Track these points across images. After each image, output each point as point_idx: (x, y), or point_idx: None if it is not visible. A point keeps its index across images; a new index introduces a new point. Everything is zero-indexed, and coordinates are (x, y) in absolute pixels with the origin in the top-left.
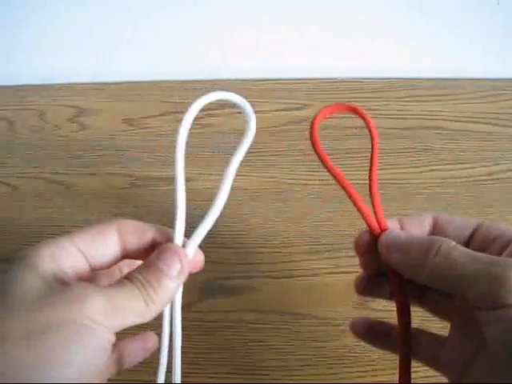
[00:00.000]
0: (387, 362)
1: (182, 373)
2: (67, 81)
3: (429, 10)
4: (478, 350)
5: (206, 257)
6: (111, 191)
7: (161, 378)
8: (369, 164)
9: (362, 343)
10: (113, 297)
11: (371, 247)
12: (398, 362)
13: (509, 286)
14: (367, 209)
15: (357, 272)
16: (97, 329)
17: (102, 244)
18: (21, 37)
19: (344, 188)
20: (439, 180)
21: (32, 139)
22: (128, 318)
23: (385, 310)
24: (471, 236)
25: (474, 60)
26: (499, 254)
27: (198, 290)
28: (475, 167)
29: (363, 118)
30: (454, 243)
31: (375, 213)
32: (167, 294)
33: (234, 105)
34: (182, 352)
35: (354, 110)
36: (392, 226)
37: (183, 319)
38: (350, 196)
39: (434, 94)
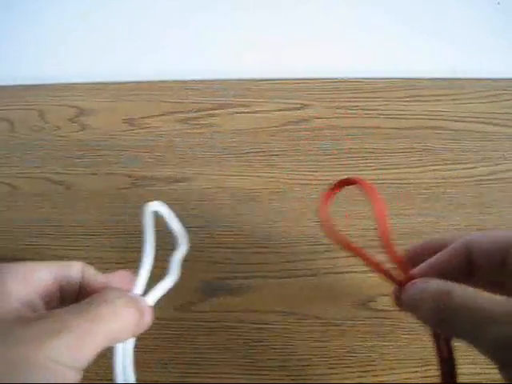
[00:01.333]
0: (388, 362)
1: (182, 373)
2: (67, 81)
3: (429, 9)
4: None
5: (206, 257)
6: (111, 191)
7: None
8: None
9: (363, 343)
10: (86, 321)
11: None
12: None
13: None
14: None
15: (357, 272)
16: (60, 370)
17: (68, 270)
18: (21, 37)
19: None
20: (439, 180)
21: (32, 139)
22: (106, 338)
23: (385, 310)
24: (504, 259)
25: (473, 60)
26: None
27: (198, 290)
28: (476, 167)
29: (367, 191)
30: (462, 290)
31: (396, 263)
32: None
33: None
34: (182, 352)
35: (355, 183)
36: (422, 270)
37: (184, 319)
38: (370, 264)
39: (434, 94)
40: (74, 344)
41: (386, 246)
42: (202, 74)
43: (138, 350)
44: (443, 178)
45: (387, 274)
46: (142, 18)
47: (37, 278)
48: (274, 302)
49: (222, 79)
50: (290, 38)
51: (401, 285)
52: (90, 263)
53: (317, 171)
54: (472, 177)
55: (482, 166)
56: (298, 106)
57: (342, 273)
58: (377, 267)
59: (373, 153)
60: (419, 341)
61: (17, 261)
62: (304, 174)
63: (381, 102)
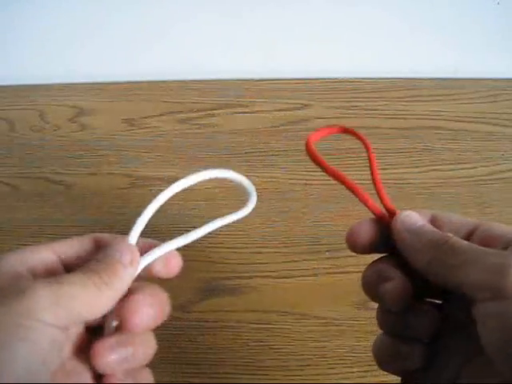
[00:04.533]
0: None
1: (182, 373)
2: (67, 81)
3: (429, 9)
4: (469, 360)
5: (205, 257)
6: (111, 191)
7: None
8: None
9: (363, 343)
10: (60, 286)
11: (376, 234)
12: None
13: (509, 276)
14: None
15: (357, 272)
16: (40, 327)
17: (78, 245)
18: (21, 37)
19: (347, 185)
20: (439, 180)
21: (32, 139)
22: (77, 307)
23: None
24: (469, 236)
25: (474, 60)
26: None
27: (198, 289)
28: (475, 167)
29: (357, 137)
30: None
31: (381, 199)
32: (121, 281)
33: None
34: (182, 352)
35: (346, 131)
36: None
37: (183, 319)
38: (353, 191)
39: (434, 94)
40: (54, 299)
41: (378, 190)
42: (201, 74)
43: None
44: (443, 178)
45: (371, 205)
46: (142, 18)
47: (37, 261)
48: (273, 302)
49: (222, 79)
50: (290, 37)
51: (383, 218)
52: None
53: (317, 171)
54: (472, 177)
55: (482, 166)
56: (298, 105)
57: (341, 273)
58: (362, 197)
59: (373, 153)
60: None
61: None
62: (304, 174)
63: (381, 102)
